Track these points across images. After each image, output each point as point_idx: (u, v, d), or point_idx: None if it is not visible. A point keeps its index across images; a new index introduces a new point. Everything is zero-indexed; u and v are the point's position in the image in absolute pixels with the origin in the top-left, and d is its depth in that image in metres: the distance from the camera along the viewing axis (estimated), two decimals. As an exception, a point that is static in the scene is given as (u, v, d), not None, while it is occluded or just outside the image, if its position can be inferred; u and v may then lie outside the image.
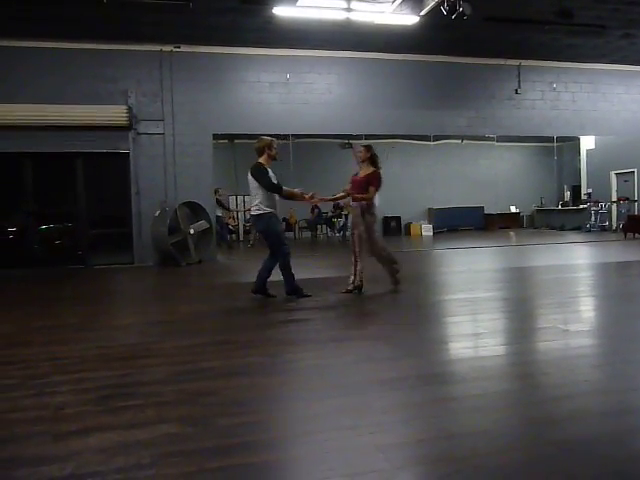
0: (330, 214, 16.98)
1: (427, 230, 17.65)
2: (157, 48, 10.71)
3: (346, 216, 16.37)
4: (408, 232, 17.85)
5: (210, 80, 11.04)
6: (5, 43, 9.91)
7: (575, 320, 5.01)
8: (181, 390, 3.21)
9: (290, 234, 17.02)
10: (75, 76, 10.31)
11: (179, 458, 2.33)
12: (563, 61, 12.84)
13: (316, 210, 16.74)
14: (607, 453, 2.32)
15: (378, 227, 16.62)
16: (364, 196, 6.16)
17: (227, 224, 16.83)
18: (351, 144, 17.63)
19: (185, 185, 10.73)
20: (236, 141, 16.12)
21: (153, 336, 4.69)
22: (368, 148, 6.43)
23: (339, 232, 16.47)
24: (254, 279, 6.13)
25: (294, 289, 6.03)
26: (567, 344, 4.13)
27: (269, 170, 5.89)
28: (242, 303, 6.11)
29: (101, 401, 3.03)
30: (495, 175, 18.38)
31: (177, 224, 10.26)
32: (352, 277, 6.34)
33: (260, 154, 5.92)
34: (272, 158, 5.94)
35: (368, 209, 6.20)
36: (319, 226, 17.14)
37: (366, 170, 6.31)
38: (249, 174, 5.89)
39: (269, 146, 5.88)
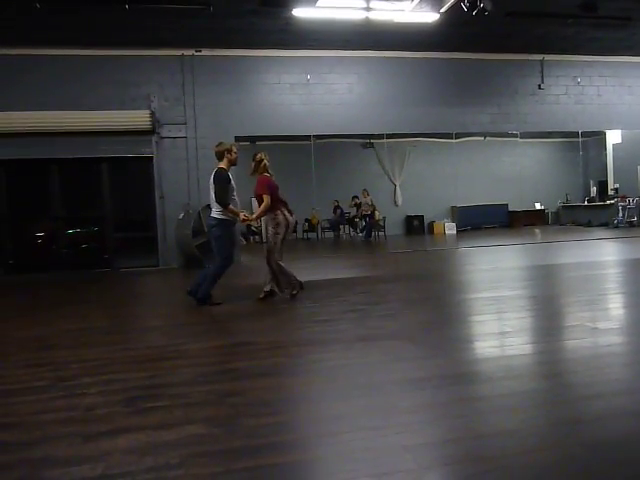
0: (352, 214, 16.94)
1: (450, 228, 17.48)
2: (178, 52, 10.83)
3: (369, 216, 16.34)
4: (431, 231, 17.69)
5: (231, 83, 11.12)
6: (29, 52, 10.13)
7: (604, 318, 4.92)
8: (208, 391, 3.24)
9: (312, 235, 17.06)
10: (99, 82, 10.49)
11: (207, 458, 2.36)
12: (587, 55, 12.59)
13: (338, 210, 16.72)
14: (638, 455, 2.27)
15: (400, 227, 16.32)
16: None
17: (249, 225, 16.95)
18: (373, 144, 17.61)
19: (208, 188, 10.80)
20: (257, 143, 16.19)
21: (179, 338, 4.74)
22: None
23: (361, 232, 16.43)
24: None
25: (205, 297, 5.93)
26: (596, 342, 4.05)
27: (230, 177, 5.88)
28: (266, 304, 6.13)
29: (130, 402, 3.08)
30: (519, 172, 18.13)
31: (201, 226, 10.34)
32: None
33: (220, 158, 5.95)
34: (232, 163, 5.97)
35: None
36: (341, 226, 17.10)
37: None
38: (211, 177, 5.94)
39: (229, 150, 5.92)
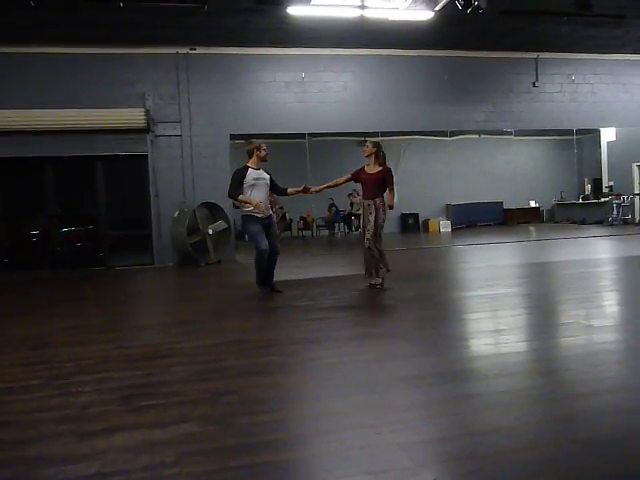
0: (347, 212, 16.95)
1: (445, 226, 17.52)
2: (173, 51, 10.79)
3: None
4: (426, 229, 17.73)
5: (226, 81, 11.10)
6: (22, 49, 10.08)
7: (598, 315, 4.94)
8: (202, 389, 3.23)
9: (307, 233, 17.05)
10: (93, 80, 10.45)
11: (202, 457, 2.36)
12: (582, 52, 12.65)
13: (333, 208, 16.74)
14: (633, 451, 2.29)
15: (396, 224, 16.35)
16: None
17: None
18: (367, 142, 17.60)
19: (203, 186, 10.80)
20: (253, 141, 16.17)
21: (174, 336, 4.73)
22: (375, 145, 6.61)
23: (356, 230, 16.45)
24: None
25: (258, 284, 6.40)
26: (590, 340, 4.07)
27: (247, 173, 6.21)
28: (261, 302, 6.13)
29: (124, 401, 3.07)
30: (514, 170, 18.18)
31: (196, 225, 10.34)
32: (375, 272, 6.45)
33: (250, 156, 6.37)
34: (261, 159, 6.37)
35: (384, 206, 6.40)
36: (336, 224, 17.12)
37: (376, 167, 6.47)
38: None
39: (258, 148, 6.35)
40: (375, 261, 6.44)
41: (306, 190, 6.52)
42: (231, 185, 6.21)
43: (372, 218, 6.31)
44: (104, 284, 9.02)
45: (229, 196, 6.32)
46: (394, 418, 2.70)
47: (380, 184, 6.38)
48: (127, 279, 9.50)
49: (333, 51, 11.52)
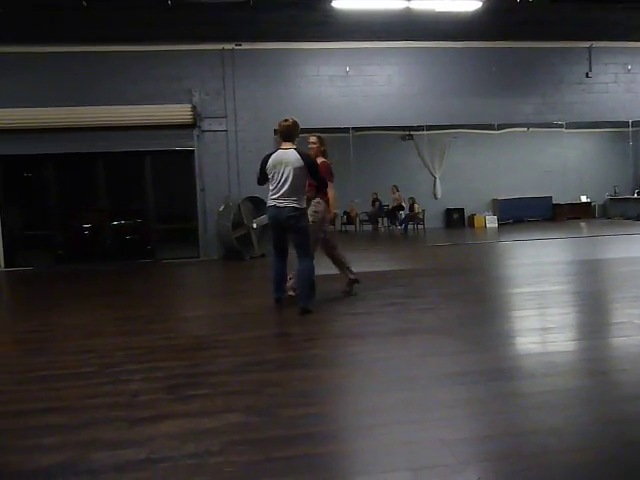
0: (391, 207, 16.83)
1: (492, 222, 17.16)
2: (219, 47, 10.95)
3: (409, 208, 16.22)
4: (472, 224, 17.40)
5: (270, 76, 11.18)
6: (77, 49, 10.43)
7: (653, 315, 4.75)
8: (247, 381, 3.29)
9: (351, 227, 17.03)
10: (142, 77, 10.73)
11: (246, 446, 2.40)
12: (638, 41, 12.11)
13: (377, 203, 16.64)
14: (689, 456, 2.20)
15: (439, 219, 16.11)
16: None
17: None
18: (412, 136, 17.41)
19: (248, 180, 10.87)
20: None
21: (219, 328, 4.83)
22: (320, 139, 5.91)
23: (400, 225, 16.31)
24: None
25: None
26: (644, 340, 3.92)
27: (267, 162, 5.24)
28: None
29: (172, 390, 3.16)
30: (564, 163, 17.60)
31: (240, 219, 10.49)
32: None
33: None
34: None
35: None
36: (380, 219, 17.02)
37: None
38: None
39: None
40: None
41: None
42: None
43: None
44: (152, 276, 9.27)
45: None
46: (437, 415, 2.68)
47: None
48: (174, 272, 9.73)
49: (378, 44, 11.42)
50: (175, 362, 3.73)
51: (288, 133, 5.31)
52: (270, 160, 5.18)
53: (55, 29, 9.77)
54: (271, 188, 5.18)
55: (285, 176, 5.08)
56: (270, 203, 5.20)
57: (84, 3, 8.40)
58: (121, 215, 11.64)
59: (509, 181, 17.47)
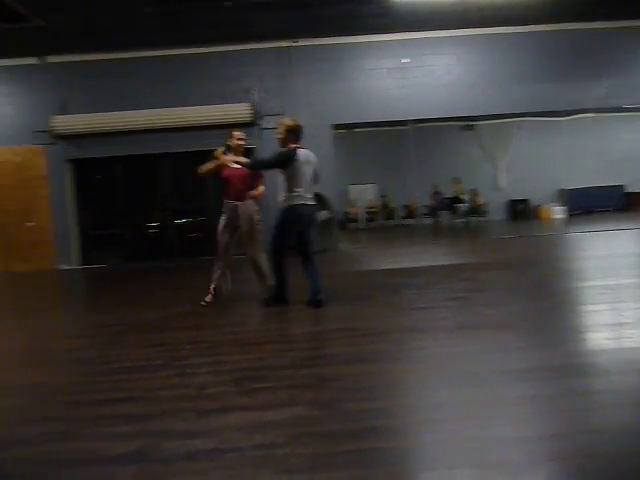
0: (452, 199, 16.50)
1: (559, 212, 16.52)
2: (276, 45, 11.08)
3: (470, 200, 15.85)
4: (537, 215, 16.82)
5: (328, 71, 11.21)
6: (137, 54, 10.88)
7: None
8: (310, 375, 3.33)
9: (411, 221, 16.84)
10: (202, 79, 11.05)
11: (311, 439, 2.43)
12: None
13: (437, 196, 16.37)
14: None
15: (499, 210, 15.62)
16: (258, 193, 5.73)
17: (347, 213, 17.07)
18: (472, 126, 16.99)
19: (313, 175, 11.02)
20: (355, 130, 16.24)
21: (281, 322, 4.91)
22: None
23: (462, 217, 15.98)
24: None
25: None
26: None
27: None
28: (365, 290, 6.17)
29: (237, 382, 3.24)
30: (638, 150, 16.68)
31: (300, 215, 10.57)
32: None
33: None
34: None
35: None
36: (441, 212, 16.74)
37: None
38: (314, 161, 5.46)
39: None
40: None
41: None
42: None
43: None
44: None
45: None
46: (504, 412, 2.61)
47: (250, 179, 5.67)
48: (236, 268, 9.93)
49: (436, 33, 11.20)
50: (239, 356, 3.83)
51: (301, 132, 5.39)
52: (300, 157, 5.22)
53: (120, 36, 10.19)
54: (297, 185, 5.22)
55: (309, 175, 5.30)
56: (299, 201, 5.24)
57: (147, 9, 8.71)
58: (184, 214, 12.02)
59: (577, 170, 16.75)
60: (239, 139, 5.68)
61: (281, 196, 5.30)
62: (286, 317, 5.13)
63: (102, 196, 11.78)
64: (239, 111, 10.99)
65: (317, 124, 11.15)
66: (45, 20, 9.03)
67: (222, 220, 5.89)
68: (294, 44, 11.12)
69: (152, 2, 8.60)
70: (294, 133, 5.31)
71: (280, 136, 5.33)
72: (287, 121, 5.37)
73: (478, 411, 2.63)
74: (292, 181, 5.21)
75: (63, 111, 10.95)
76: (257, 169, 5.60)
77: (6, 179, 11.08)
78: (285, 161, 5.20)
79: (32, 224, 11.12)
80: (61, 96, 11.00)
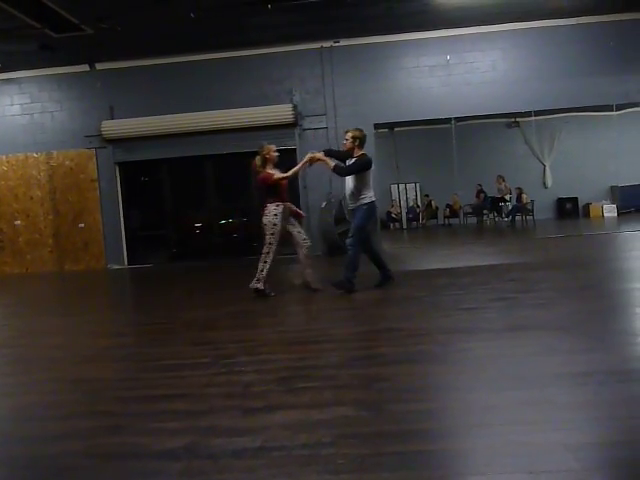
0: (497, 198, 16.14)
1: (610, 211, 15.92)
2: (317, 45, 11.10)
3: (516, 199, 15.49)
4: (587, 214, 16.26)
5: (369, 70, 11.15)
6: (181, 59, 11.11)
7: None
8: (355, 375, 3.31)
9: (455, 220, 16.58)
10: (244, 81, 11.18)
11: (356, 440, 2.41)
12: None
13: (482, 195, 16.05)
14: None
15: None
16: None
17: (389, 212, 16.95)
18: (518, 123, 16.58)
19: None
20: (396, 129, 16.10)
21: (327, 322, 4.91)
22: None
23: (507, 217, 15.61)
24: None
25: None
26: None
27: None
28: (410, 290, 6.10)
29: (283, 382, 3.25)
30: (695, 144, 15.91)
31: (342, 214, 10.57)
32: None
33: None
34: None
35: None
36: (485, 211, 16.41)
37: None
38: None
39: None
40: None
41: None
42: None
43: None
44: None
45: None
46: (558, 416, 2.52)
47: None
48: (284, 268, 9.99)
49: (480, 29, 10.98)
50: (285, 355, 3.84)
51: (366, 140, 6.30)
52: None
53: (167, 41, 10.42)
54: (370, 186, 6.14)
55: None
56: (373, 199, 6.17)
57: (192, 15, 8.87)
58: (228, 214, 12.19)
59: (630, 166, 16.11)
60: (274, 151, 6.38)
61: (361, 196, 6.06)
62: (329, 317, 5.12)
63: (149, 197, 12.07)
64: (282, 112, 11.05)
65: (359, 124, 11.02)
66: (95, 28, 9.32)
67: (278, 220, 6.39)
68: (335, 44, 11.11)
69: (197, 8, 8.75)
70: (360, 141, 6.14)
71: (348, 143, 6.17)
72: (355, 131, 6.17)
73: (530, 415, 2.55)
74: (368, 183, 6.07)
75: (112, 116, 11.29)
76: (344, 175, 6.27)
77: (60, 182, 11.50)
78: (368, 167, 6.10)
79: (82, 225, 11.50)
80: (110, 102, 11.34)
